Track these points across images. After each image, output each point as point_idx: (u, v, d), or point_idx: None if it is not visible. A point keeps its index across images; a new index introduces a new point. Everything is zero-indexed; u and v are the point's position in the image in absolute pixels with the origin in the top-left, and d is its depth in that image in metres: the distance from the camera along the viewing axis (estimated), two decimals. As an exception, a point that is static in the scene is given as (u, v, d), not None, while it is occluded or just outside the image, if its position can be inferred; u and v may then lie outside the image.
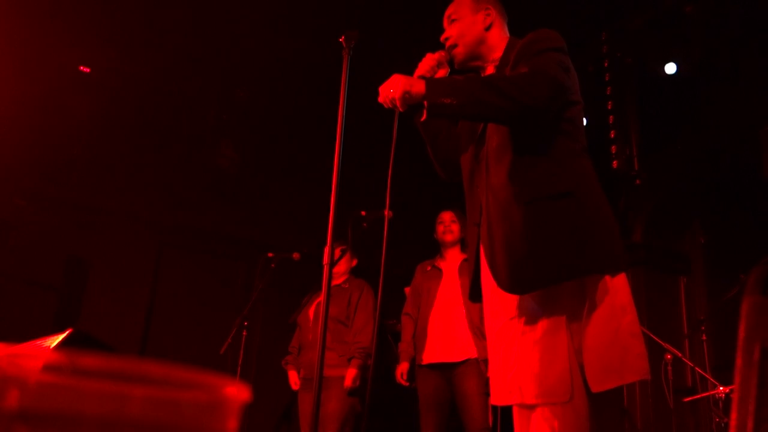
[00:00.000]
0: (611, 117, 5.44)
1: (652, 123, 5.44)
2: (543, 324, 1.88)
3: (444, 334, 4.03)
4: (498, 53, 2.20)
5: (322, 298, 2.19)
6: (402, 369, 4.25)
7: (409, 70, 2.14)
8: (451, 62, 2.25)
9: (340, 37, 2.31)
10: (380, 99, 2.00)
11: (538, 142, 1.98)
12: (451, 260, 4.23)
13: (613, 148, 5.38)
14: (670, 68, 5.23)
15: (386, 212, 3.81)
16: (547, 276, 1.87)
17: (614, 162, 5.39)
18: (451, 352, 3.98)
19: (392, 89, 1.93)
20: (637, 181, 5.43)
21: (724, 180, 5.23)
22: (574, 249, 1.86)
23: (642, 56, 5.44)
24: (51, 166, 5.72)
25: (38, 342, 1.85)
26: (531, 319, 1.91)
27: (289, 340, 4.74)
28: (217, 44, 5.31)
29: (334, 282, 4.54)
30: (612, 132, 5.40)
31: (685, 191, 5.58)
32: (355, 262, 4.62)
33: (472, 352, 3.90)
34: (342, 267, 4.53)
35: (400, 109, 2.00)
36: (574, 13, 5.04)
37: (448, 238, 4.23)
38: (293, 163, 6.38)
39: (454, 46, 2.20)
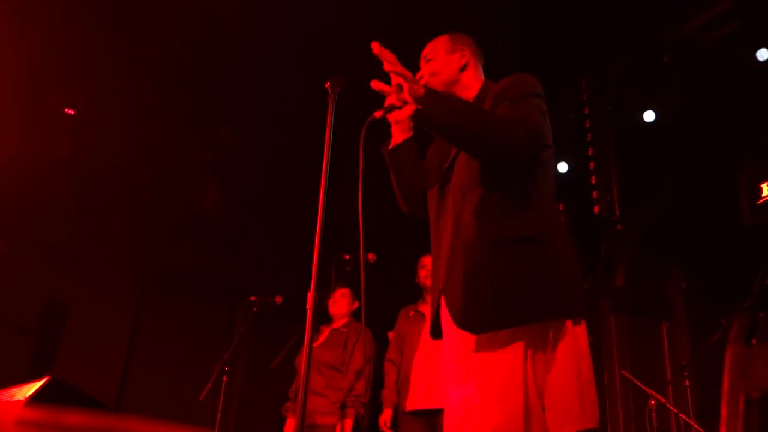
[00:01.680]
0: (592, 163, 5.52)
1: (632, 169, 5.52)
2: (500, 364, 1.86)
3: (427, 379, 3.98)
4: (471, 94, 2.23)
5: (307, 342, 2.17)
6: (385, 416, 4.18)
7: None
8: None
9: (326, 83, 2.34)
10: (392, 88, 2.02)
11: (509, 182, 2.00)
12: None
13: (594, 194, 5.44)
14: (649, 116, 5.34)
15: (369, 256, 3.82)
16: (502, 318, 1.87)
17: (595, 207, 5.45)
18: (434, 399, 3.92)
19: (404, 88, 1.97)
20: (618, 227, 5.49)
21: (703, 225, 5.29)
22: (534, 293, 1.87)
23: (621, 104, 5.55)
24: (31, 207, 5.67)
25: (14, 389, 1.80)
26: (488, 359, 1.89)
27: (269, 386, 4.66)
28: (203, 86, 5.34)
29: (334, 325, 4.51)
30: (593, 177, 5.48)
31: (665, 236, 5.63)
32: (356, 305, 4.57)
33: None
34: (342, 309, 4.46)
35: (399, 116, 2.14)
36: (555, 60, 5.14)
37: (430, 282, 4.22)
38: (277, 205, 6.38)
39: (426, 84, 2.21)
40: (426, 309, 4.23)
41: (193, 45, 4.97)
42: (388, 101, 2.19)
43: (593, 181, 5.44)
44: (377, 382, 4.45)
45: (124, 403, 5.88)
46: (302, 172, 4.41)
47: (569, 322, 1.91)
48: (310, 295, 2.23)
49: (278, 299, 4.39)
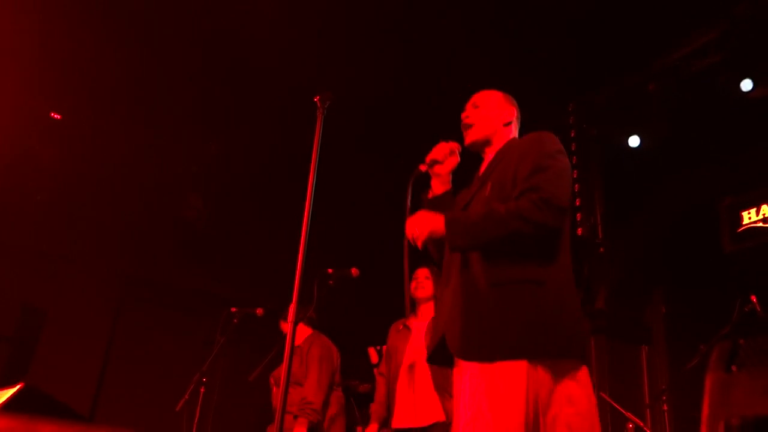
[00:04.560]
0: (576, 185, 5.56)
1: (615, 193, 5.58)
2: (499, 393, 1.88)
3: (410, 397, 3.94)
4: (499, 146, 2.36)
5: (287, 355, 2.15)
6: (370, 431, 4.14)
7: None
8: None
9: (315, 97, 2.35)
10: (407, 234, 2.19)
11: None
12: (423, 318, 4.16)
13: (578, 216, 5.49)
14: (634, 141, 5.41)
15: (352, 270, 3.81)
16: (499, 349, 1.92)
17: (579, 229, 5.48)
18: (417, 417, 3.87)
19: (419, 230, 2.11)
20: (601, 249, 5.53)
21: (685, 251, 5.34)
22: (536, 331, 1.93)
23: (607, 129, 5.62)
24: (12, 211, 5.61)
25: (-15, 395, 1.77)
26: (487, 388, 1.91)
27: (247, 398, 4.62)
28: (188, 96, 5.33)
29: (298, 343, 4.47)
30: (577, 200, 5.52)
31: (647, 261, 5.68)
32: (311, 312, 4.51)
33: (439, 416, 3.79)
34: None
35: (419, 248, 2.20)
36: (542, 84, 5.20)
37: (420, 293, 4.17)
38: (261, 217, 6.36)
39: (470, 125, 2.38)
40: (414, 323, 4.21)
41: (180, 53, 4.96)
42: (431, 156, 2.41)
43: (577, 204, 5.49)
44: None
45: (99, 411, 5.79)
46: (288, 184, 4.41)
47: (571, 364, 1.96)
48: (292, 308, 2.23)
49: (259, 311, 4.35)
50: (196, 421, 4.24)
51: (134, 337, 6.14)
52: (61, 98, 5.36)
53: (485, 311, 1.97)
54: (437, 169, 2.42)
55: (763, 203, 4.81)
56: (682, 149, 5.15)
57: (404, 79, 2.42)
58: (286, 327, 4.48)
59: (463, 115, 2.42)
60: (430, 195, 2.44)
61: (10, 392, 1.65)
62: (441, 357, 2.19)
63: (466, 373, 2.01)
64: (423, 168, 2.40)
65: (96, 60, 5.00)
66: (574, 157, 5.62)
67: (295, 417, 4.18)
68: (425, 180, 2.48)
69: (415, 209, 2.27)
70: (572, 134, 5.67)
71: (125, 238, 6.09)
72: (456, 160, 2.43)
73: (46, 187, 5.62)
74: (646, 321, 5.81)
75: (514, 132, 2.44)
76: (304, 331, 4.52)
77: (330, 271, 3.74)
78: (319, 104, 2.37)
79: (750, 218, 4.84)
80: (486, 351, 1.93)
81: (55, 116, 5.42)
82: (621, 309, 5.67)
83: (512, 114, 2.43)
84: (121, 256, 6.15)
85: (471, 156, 2.45)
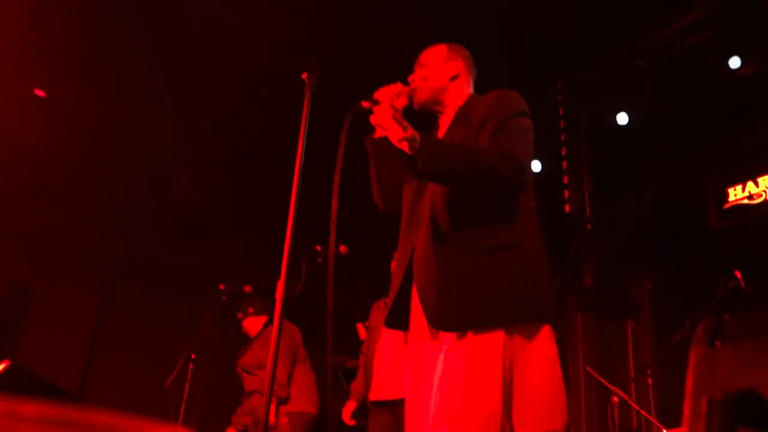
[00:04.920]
0: (564, 163, 5.57)
1: (604, 170, 5.59)
2: (477, 365, 1.88)
3: (388, 370, 4.00)
4: (458, 103, 2.29)
5: (275, 331, 2.15)
6: (348, 408, 4.20)
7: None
8: (411, 102, 2.31)
9: (303, 74, 2.32)
10: (377, 110, 2.01)
11: (489, 196, 2.05)
12: None
13: (566, 193, 5.50)
14: (622, 118, 5.41)
15: (341, 248, 3.81)
16: (476, 319, 1.91)
17: (566, 206, 5.51)
18: (394, 389, 3.94)
19: (386, 127, 1.95)
20: (588, 226, 5.55)
21: (671, 228, 5.38)
22: (510, 297, 1.93)
23: (596, 106, 5.61)
24: (-3, 189, 5.55)
25: (-28, 373, 1.76)
26: (466, 357, 1.90)
27: (236, 375, 4.65)
28: (176, 74, 5.27)
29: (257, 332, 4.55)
30: (565, 177, 5.54)
31: (634, 238, 5.72)
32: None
33: None
34: (252, 318, 4.51)
35: (375, 134, 2.17)
36: (531, 61, 5.18)
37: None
38: (248, 195, 6.33)
39: (417, 89, 2.29)
40: None
41: (167, 27, 4.89)
42: (378, 94, 2.24)
43: (565, 181, 5.50)
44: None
45: (87, 389, 5.80)
46: (276, 161, 4.39)
47: (544, 327, 1.97)
48: (280, 285, 2.22)
49: (247, 288, 4.36)
50: (185, 397, 4.26)
51: (122, 316, 6.14)
52: (45, 75, 5.28)
53: (463, 281, 1.95)
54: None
55: (749, 180, 4.85)
56: (671, 126, 5.16)
57: (392, 55, 2.39)
58: (246, 322, 4.54)
59: (409, 78, 2.32)
60: (375, 135, 2.29)
61: (-4, 370, 1.65)
62: (396, 321, 2.19)
63: (441, 344, 1.98)
64: (366, 104, 2.18)
65: (81, 36, 4.92)
66: (563, 135, 5.63)
67: (263, 395, 4.24)
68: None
69: (354, 151, 2.19)
70: (561, 112, 5.67)
71: (113, 217, 6.05)
72: (404, 101, 2.26)
73: (32, 165, 5.56)
74: (632, 296, 5.86)
75: (467, 86, 2.35)
76: (258, 321, 4.56)
77: (318, 248, 3.74)
78: (306, 81, 2.34)
79: (736, 195, 4.88)
80: (465, 321, 1.92)
81: (39, 93, 5.34)
82: (608, 285, 5.72)
83: (459, 66, 2.32)
84: (109, 235, 6.12)
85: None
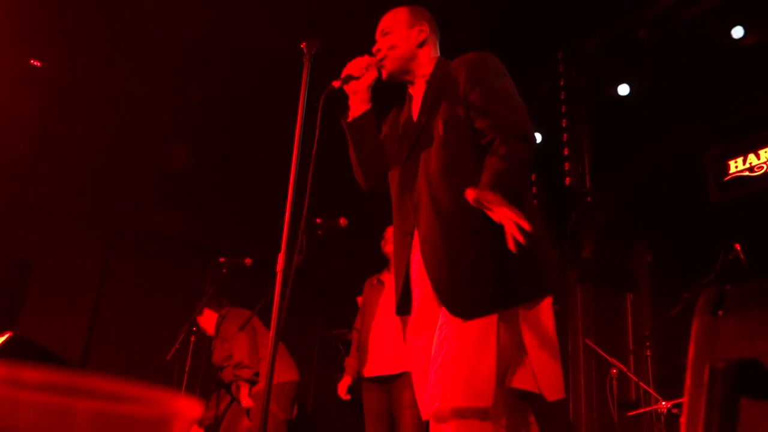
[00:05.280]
0: (565, 135, 5.55)
1: (604, 142, 5.57)
2: (473, 332, 1.90)
3: (382, 347, 4.04)
4: (427, 70, 2.23)
5: (276, 305, 2.16)
6: (343, 384, 4.26)
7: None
8: (379, 74, 2.28)
9: (302, 44, 2.30)
10: None
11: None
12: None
13: (566, 165, 5.49)
14: (623, 90, 5.37)
15: (341, 220, 3.81)
16: (492, 303, 1.92)
17: (566, 179, 5.49)
18: (388, 365, 3.98)
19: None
20: (588, 198, 5.55)
21: (671, 200, 5.38)
22: (520, 278, 1.94)
23: (597, 77, 5.57)
24: (-5, 161, 5.52)
25: (-26, 344, 1.77)
26: (460, 328, 1.91)
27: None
28: (174, 44, 5.21)
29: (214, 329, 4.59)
30: (565, 149, 5.51)
31: (633, 210, 5.72)
32: (224, 311, 4.64)
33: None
34: (206, 316, 4.55)
35: (357, 87, 2.19)
36: (531, 32, 5.12)
37: (388, 248, 4.20)
38: (248, 167, 6.31)
39: (384, 58, 2.23)
40: (387, 278, 4.25)
41: (168, 1, 4.83)
42: (346, 71, 2.21)
43: (565, 153, 5.48)
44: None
45: (89, 361, 5.84)
46: (276, 132, 4.36)
47: (545, 300, 2.00)
48: (281, 258, 2.22)
49: (248, 261, 4.36)
50: (187, 368, 4.30)
51: (123, 288, 6.15)
52: (41, 45, 5.23)
53: (472, 262, 1.94)
54: (353, 85, 2.22)
55: (750, 152, 4.83)
56: (672, 98, 5.13)
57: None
58: (202, 321, 4.57)
59: (374, 49, 2.26)
60: (350, 118, 2.26)
61: (-1, 341, 1.66)
62: (405, 308, 2.16)
63: (437, 316, 1.99)
64: (337, 84, 2.18)
65: (77, 5, 4.86)
66: (563, 106, 5.59)
67: (237, 386, 4.31)
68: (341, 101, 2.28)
69: (329, 146, 2.16)
70: (561, 83, 5.63)
71: (111, 189, 6.03)
72: (374, 74, 2.23)
73: (29, 136, 5.53)
74: (631, 269, 5.88)
75: (434, 49, 2.28)
76: (211, 318, 4.58)
77: (318, 221, 3.73)
78: (305, 51, 2.31)
79: (737, 167, 4.86)
80: (480, 308, 1.91)
81: (35, 63, 5.29)
82: (607, 258, 5.73)
83: (424, 30, 2.25)
84: (109, 207, 6.11)
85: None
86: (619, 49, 5.33)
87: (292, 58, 2.39)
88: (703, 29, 4.83)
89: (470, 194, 1.82)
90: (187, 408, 0.38)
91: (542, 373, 1.91)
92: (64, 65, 5.33)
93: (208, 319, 4.61)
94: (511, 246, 1.70)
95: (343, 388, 4.27)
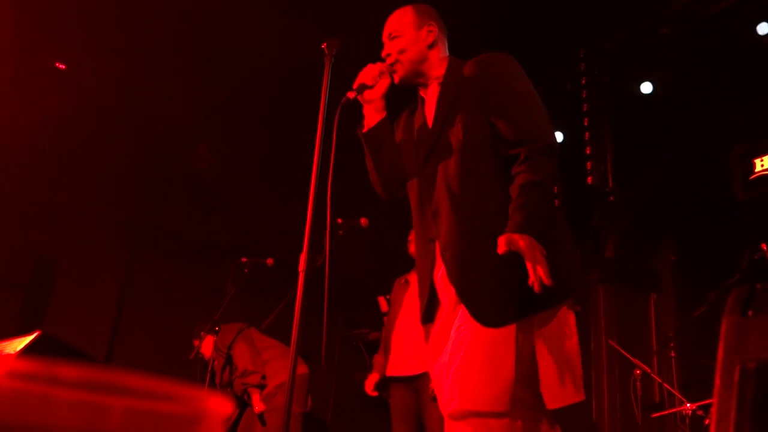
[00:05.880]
0: (587, 133, 5.50)
1: (627, 141, 5.51)
2: (491, 335, 1.88)
3: (404, 347, 4.04)
4: (439, 71, 2.18)
5: (299, 304, 2.17)
6: (370, 381, 4.26)
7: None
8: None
9: (323, 44, 2.30)
10: None
11: (509, 172, 1.98)
12: None
13: (588, 164, 5.44)
14: (646, 87, 5.31)
15: (362, 220, 3.81)
16: (520, 310, 1.90)
17: (589, 178, 5.45)
18: (410, 365, 3.98)
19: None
20: (611, 198, 5.50)
21: (695, 199, 5.31)
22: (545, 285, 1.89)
23: (619, 75, 5.52)
24: (20, 162, 5.61)
25: (1, 344, 1.79)
26: (479, 330, 1.90)
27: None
28: (197, 45, 5.26)
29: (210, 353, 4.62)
30: (587, 148, 5.47)
31: (657, 209, 5.66)
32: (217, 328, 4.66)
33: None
34: (206, 341, 4.57)
35: (372, 95, 2.17)
36: (553, 30, 5.09)
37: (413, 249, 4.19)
38: (271, 167, 6.34)
39: (396, 62, 2.17)
40: (413, 277, 4.24)
41: (191, 3, 4.87)
42: (359, 80, 2.17)
43: (588, 152, 5.44)
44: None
45: (113, 359, 5.90)
46: (297, 132, 4.38)
47: (560, 307, 1.96)
48: (302, 258, 2.23)
49: (270, 261, 4.38)
50: (209, 368, 4.33)
51: (146, 288, 6.22)
52: (65, 48, 5.30)
53: (497, 270, 1.90)
54: (368, 94, 2.17)
55: (777, 150, 4.75)
56: (696, 95, 5.06)
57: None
58: (202, 348, 4.58)
59: (383, 54, 2.20)
60: (365, 128, 2.22)
61: (27, 340, 1.68)
62: (431, 315, 2.12)
63: (460, 320, 1.96)
64: (351, 95, 2.14)
65: (101, 8, 4.92)
66: (585, 105, 5.54)
67: (248, 394, 4.34)
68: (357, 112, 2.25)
69: (348, 144, 2.13)
70: (583, 81, 5.58)
71: (135, 189, 6.10)
72: (387, 81, 2.17)
73: (54, 138, 5.60)
74: (655, 269, 5.82)
75: (443, 48, 2.23)
76: (209, 343, 4.60)
77: (339, 221, 3.74)
78: (326, 51, 2.31)
79: (763, 165, 4.79)
80: (507, 317, 1.89)
81: (60, 66, 5.37)
82: (630, 257, 5.67)
83: (433, 31, 2.19)
84: (132, 208, 6.18)
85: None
86: (641, 46, 5.27)
87: (314, 58, 2.39)
88: (727, 25, 4.76)
89: (501, 242, 1.80)
90: (220, 406, 0.39)
91: (546, 379, 1.88)
92: (89, 68, 5.39)
93: (207, 344, 4.63)
94: (536, 287, 1.74)
95: (370, 385, 4.27)
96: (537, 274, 1.72)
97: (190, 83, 5.69)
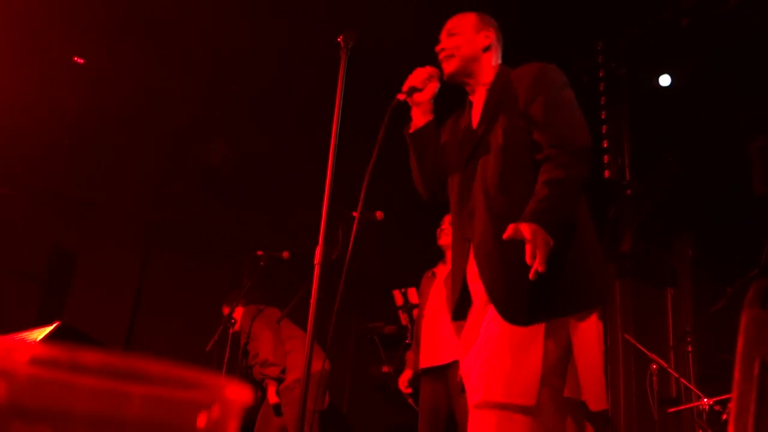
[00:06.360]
0: (604, 127, 5.45)
1: (644, 134, 5.46)
2: (520, 331, 1.91)
3: (433, 338, 4.04)
4: (488, 78, 2.24)
5: (314, 298, 2.18)
6: (404, 376, 4.29)
7: (409, 72, 2.16)
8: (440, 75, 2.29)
9: (339, 37, 2.30)
10: None
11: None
12: (450, 264, 4.20)
13: (605, 158, 5.40)
14: (665, 80, 5.26)
15: (377, 214, 3.81)
16: (546, 311, 1.92)
17: (606, 171, 5.41)
18: (439, 356, 3.98)
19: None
20: (628, 191, 5.45)
21: (713, 193, 5.26)
22: (575, 287, 1.95)
23: (637, 67, 5.46)
24: (38, 156, 5.66)
25: (23, 334, 1.82)
26: (507, 327, 1.92)
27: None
28: (212, 39, 5.27)
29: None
30: (605, 141, 5.42)
31: (674, 203, 5.61)
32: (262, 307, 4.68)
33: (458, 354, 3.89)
34: (247, 321, 4.59)
35: (420, 98, 2.25)
36: (569, 22, 5.04)
37: (444, 241, 4.19)
38: (286, 161, 6.35)
39: (450, 56, 2.24)
40: (439, 269, 4.24)
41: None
42: (409, 82, 2.25)
43: (605, 145, 5.39)
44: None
45: (131, 351, 5.96)
46: (313, 125, 4.39)
47: (593, 312, 1.99)
48: (318, 251, 2.24)
49: (285, 254, 4.40)
50: (225, 360, 4.36)
51: (163, 281, 6.27)
52: (83, 43, 5.33)
53: (524, 270, 1.86)
54: (417, 97, 2.26)
55: (798, 143, 4.69)
56: (715, 88, 5.00)
57: (430, 18, 2.35)
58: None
59: (438, 48, 2.28)
60: (412, 129, 2.31)
61: (48, 329, 1.71)
62: (462, 313, 2.17)
63: (490, 316, 1.99)
64: (401, 97, 2.24)
65: (119, 2, 4.94)
66: (602, 98, 5.49)
67: (265, 384, 4.37)
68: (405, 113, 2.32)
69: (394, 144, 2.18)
70: (600, 74, 5.53)
71: (152, 183, 6.14)
72: (436, 85, 2.27)
73: (73, 131, 5.65)
74: (672, 263, 5.77)
75: (497, 57, 2.30)
76: (248, 314, 4.64)
77: (355, 214, 3.74)
78: (342, 44, 2.31)
79: (783, 159, 4.73)
80: (534, 317, 1.92)
81: (79, 60, 5.40)
82: (647, 251, 5.63)
83: (491, 36, 2.28)
84: (149, 201, 6.22)
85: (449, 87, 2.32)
86: (660, 38, 5.21)
87: (330, 51, 2.39)
88: (748, 16, 4.69)
89: (508, 230, 1.83)
90: (239, 394, 0.39)
91: (587, 383, 1.92)
92: (106, 62, 5.43)
93: (244, 314, 4.67)
94: (530, 274, 1.78)
95: (404, 381, 4.31)
96: (530, 258, 1.77)
97: (207, 77, 5.71)
